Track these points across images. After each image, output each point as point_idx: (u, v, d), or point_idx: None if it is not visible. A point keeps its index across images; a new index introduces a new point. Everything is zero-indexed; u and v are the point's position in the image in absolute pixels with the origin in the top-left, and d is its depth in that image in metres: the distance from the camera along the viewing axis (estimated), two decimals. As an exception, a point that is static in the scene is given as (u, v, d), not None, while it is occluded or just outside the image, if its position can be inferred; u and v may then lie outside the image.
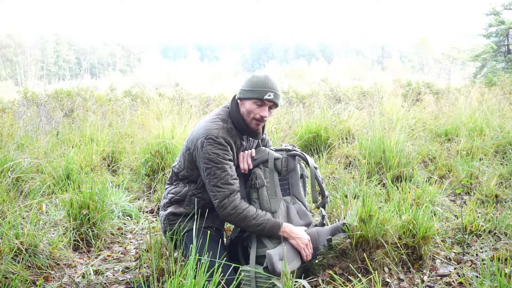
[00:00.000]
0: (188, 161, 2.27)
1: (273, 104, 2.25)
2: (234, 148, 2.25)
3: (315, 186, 2.40)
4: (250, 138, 2.38)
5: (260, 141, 2.54)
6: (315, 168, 2.41)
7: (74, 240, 2.78)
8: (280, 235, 2.19)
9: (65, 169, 3.70)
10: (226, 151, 2.18)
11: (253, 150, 2.35)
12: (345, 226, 2.35)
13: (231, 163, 2.20)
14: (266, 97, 2.19)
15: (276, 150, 2.39)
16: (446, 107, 7.47)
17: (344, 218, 2.73)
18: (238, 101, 2.29)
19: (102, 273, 2.46)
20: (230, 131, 2.24)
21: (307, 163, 2.39)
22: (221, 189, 2.15)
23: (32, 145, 4.59)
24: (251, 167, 2.29)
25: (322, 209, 2.44)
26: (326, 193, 2.45)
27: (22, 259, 2.35)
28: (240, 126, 2.26)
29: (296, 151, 2.40)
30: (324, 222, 2.46)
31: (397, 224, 2.38)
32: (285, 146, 2.45)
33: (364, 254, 2.25)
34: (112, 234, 3.02)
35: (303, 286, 2.08)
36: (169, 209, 2.34)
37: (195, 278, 1.72)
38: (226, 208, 2.15)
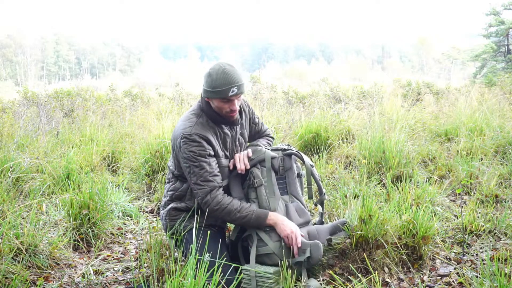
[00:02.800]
0: (177, 160, 2.31)
1: (240, 95, 2.22)
2: (214, 140, 2.25)
3: (311, 183, 2.41)
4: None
5: (254, 125, 2.55)
6: (311, 166, 2.44)
7: (74, 240, 2.78)
8: (268, 223, 2.19)
9: (65, 169, 3.70)
10: (201, 147, 2.18)
11: (250, 150, 2.34)
12: (345, 226, 2.35)
13: (210, 159, 2.20)
14: (230, 94, 2.15)
15: (272, 150, 2.40)
16: (446, 107, 7.47)
17: (344, 217, 2.73)
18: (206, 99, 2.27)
19: (102, 273, 2.46)
20: (205, 125, 2.25)
21: (303, 161, 2.40)
22: (201, 187, 2.18)
23: (32, 145, 4.59)
24: (248, 167, 2.29)
25: (320, 207, 2.45)
26: (324, 190, 2.46)
27: (22, 259, 2.35)
28: (215, 120, 2.27)
29: (291, 150, 2.42)
30: (323, 220, 2.47)
31: (397, 224, 2.38)
32: (281, 145, 2.46)
33: (364, 254, 2.25)
34: (112, 234, 3.02)
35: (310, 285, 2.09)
36: (171, 205, 2.36)
37: (195, 278, 1.72)
38: (209, 205, 2.18)
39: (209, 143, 2.22)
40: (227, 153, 2.34)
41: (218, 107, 2.22)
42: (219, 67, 2.17)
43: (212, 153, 2.22)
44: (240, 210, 2.18)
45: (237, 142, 2.40)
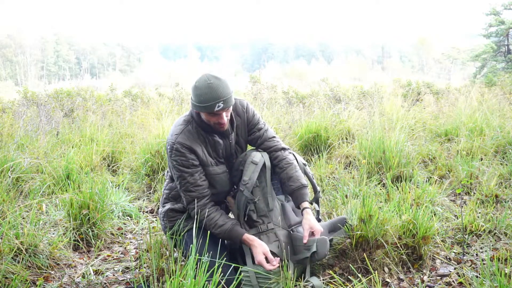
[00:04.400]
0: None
1: (227, 108, 2.15)
2: (201, 148, 2.24)
3: None
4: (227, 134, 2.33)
5: (258, 132, 2.40)
6: (304, 164, 2.46)
7: (74, 240, 2.78)
8: (243, 240, 2.19)
9: (65, 169, 3.70)
10: (183, 157, 2.19)
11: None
12: (345, 226, 2.36)
13: (192, 169, 2.20)
14: (216, 109, 2.10)
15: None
16: (446, 107, 7.46)
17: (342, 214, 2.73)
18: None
19: (102, 273, 2.46)
20: (193, 133, 2.23)
21: (296, 160, 2.41)
22: (184, 195, 2.24)
23: (32, 145, 4.59)
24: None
25: (316, 205, 2.46)
26: (318, 188, 2.48)
27: (22, 259, 2.35)
28: (204, 129, 2.25)
29: None
30: (320, 218, 2.48)
31: (397, 224, 2.38)
32: None
33: (364, 254, 2.25)
34: (112, 234, 3.02)
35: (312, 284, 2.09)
36: (167, 206, 2.37)
37: (195, 278, 1.72)
38: (191, 213, 2.25)
39: (193, 152, 2.21)
40: (220, 160, 2.32)
41: (207, 120, 2.20)
42: (204, 80, 2.10)
43: (196, 163, 2.21)
44: (214, 227, 2.21)
45: (233, 151, 2.37)
